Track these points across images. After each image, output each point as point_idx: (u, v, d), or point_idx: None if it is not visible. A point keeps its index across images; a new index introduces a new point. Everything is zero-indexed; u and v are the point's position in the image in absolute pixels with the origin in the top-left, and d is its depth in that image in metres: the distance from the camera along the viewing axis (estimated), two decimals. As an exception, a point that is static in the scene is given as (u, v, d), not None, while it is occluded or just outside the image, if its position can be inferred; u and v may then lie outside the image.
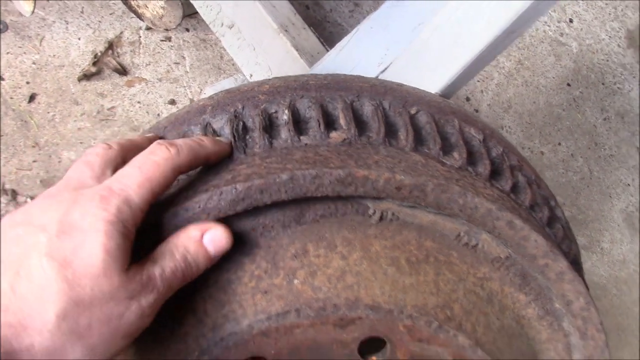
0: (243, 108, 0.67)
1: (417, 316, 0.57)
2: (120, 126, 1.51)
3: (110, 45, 1.60)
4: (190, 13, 1.61)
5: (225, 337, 0.55)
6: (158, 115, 1.55)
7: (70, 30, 1.60)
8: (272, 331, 0.55)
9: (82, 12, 1.63)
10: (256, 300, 0.56)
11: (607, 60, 1.88)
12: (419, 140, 0.68)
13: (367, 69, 0.90)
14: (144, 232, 0.55)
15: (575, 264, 0.78)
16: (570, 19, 1.90)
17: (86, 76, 1.55)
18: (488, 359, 0.59)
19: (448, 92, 0.88)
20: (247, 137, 0.65)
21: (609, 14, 1.94)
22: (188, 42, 1.65)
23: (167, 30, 1.61)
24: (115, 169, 0.58)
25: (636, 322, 1.56)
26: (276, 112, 0.67)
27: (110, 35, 1.61)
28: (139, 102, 1.55)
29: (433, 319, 0.57)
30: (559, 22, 1.90)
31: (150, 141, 0.63)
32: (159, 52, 1.63)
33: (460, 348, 0.58)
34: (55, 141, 1.47)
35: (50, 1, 1.63)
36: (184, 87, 1.59)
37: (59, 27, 1.60)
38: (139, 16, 1.59)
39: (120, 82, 1.57)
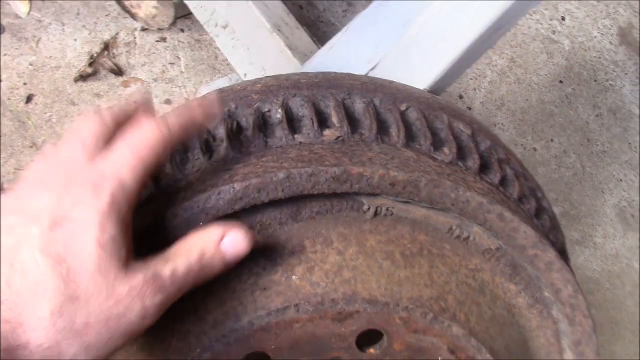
0: (236, 107, 0.67)
1: (413, 308, 0.57)
2: (117, 126, 1.50)
3: (106, 46, 1.59)
4: (184, 14, 1.60)
5: (226, 333, 0.55)
6: (154, 114, 1.54)
7: (66, 31, 1.60)
8: (272, 326, 0.55)
9: (77, 13, 1.63)
10: (255, 297, 0.56)
11: (599, 58, 1.88)
12: (410, 136, 0.68)
13: (357, 66, 0.91)
14: (142, 233, 0.54)
15: (562, 253, 0.79)
16: (562, 16, 1.90)
17: (82, 77, 1.54)
18: (481, 347, 0.60)
19: (437, 88, 0.88)
20: (242, 136, 0.65)
21: (601, 11, 1.94)
22: (183, 42, 1.64)
23: (160, 29, 1.61)
24: (107, 142, 0.54)
25: (629, 315, 1.56)
26: (269, 111, 0.67)
27: (106, 36, 1.61)
28: (134, 103, 1.54)
29: (428, 310, 0.58)
30: (551, 20, 1.90)
31: (141, 110, 0.60)
32: (154, 53, 1.62)
33: (455, 338, 0.59)
34: (52, 141, 1.46)
35: (47, 3, 1.62)
36: (180, 87, 1.58)
37: (55, 29, 1.60)
38: (133, 16, 1.59)
39: (116, 83, 1.56)
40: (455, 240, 0.64)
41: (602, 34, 1.91)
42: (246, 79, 1.17)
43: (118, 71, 1.58)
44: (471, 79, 1.79)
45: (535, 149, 1.73)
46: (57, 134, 1.48)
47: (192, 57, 1.63)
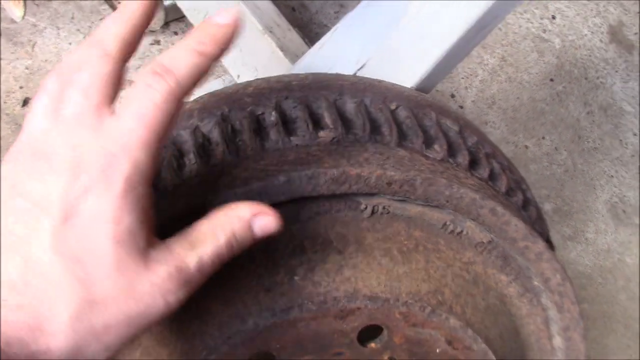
0: (230, 111, 0.66)
1: (412, 303, 0.58)
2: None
3: None
4: (177, 17, 1.59)
5: (232, 335, 0.55)
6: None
7: (61, 35, 1.60)
8: (277, 326, 0.55)
9: (72, 18, 1.62)
10: (259, 298, 0.56)
11: (590, 56, 1.88)
12: (401, 135, 0.69)
13: (346, 66, 0.89)
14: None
15: (548, 242, 0.79)
16: (552, 15, 1.90)
17: None
18: (477, 337, 0.61)
19: (424, 87, 0.88)
20: (237, 140, 0.64)
21: (591, 10, 1.94)
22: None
23: (151, 31, 1.61)
24: (116, 91, 0.47)
25: (621, 309, 1.57)
26: (263, 113, 0.66)
27: None
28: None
29: (426, 304, 0.59)
30: (541, 19, 1.89)
31: (144, 18, 0.51)
32: (148, 55, 1.61)
33: (452, 329, 0.60)
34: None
35: (41, 7, 1.62)
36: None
37: (51, 33, 1.59)
38: None
39: None
40: (449, 235, 0.66)
41: (592, 32, 1.91)
42: (239, 80, 1.18)
43: (113, 74, 1.57)
44: (463, 78, 1.79)
45: (526, 147, 1.73)
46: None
47: (186, 59, 1.62)
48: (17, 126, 1.48)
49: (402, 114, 0.72)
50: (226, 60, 1.23)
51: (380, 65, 0.88)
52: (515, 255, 0.67)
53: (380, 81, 0.77)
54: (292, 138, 0.65)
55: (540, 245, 0.65)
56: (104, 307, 0.43)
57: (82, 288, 0.43)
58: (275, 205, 0.57)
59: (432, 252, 0.64)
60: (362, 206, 0.62)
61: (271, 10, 1.28)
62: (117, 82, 0.48)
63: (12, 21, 1.57)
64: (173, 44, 1.62)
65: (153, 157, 0.45)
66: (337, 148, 0.64)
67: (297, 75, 0.73)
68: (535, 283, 0.68)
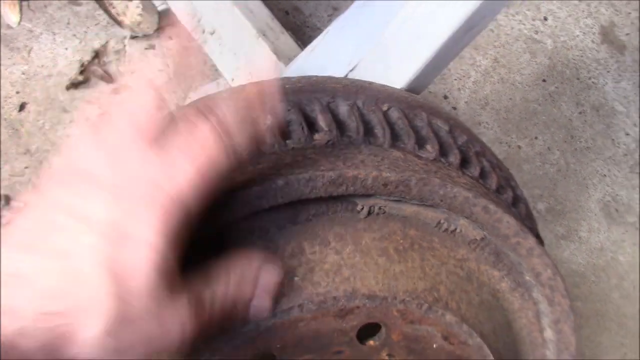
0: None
1: (409, 300, 0.59)
2: (110, 131, 1.51)
3: (97, 55, 1.59)
4: (171, 22, 1.59)
5: (234, 336, 0.55)
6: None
7: (57, 41, 1.60)
8: (278, 327, 0.55)
9: (68, 23, 1.62)
10: None
11: (582, 56, 1.89)
12: (394, 136, 0.69)
13: (338, 68, 0.90)
14: None
15: (537, 237, 0.79)
16: (544, 17, 1.90)
17: (74, 85, 1.54)
18: (472, 332, 0.62)
19: (415, 87, 0.88)
20: None
21: (583, 10, 1.94)
22: (171, 49, 1.66)
23: (148, 37, 1.61)
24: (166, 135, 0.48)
25: (614, 308, 1.59)
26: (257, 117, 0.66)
27: (96, 44, 1.60)
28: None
29: (423, 301, 0.59)
30: (533, 20, 1.90)
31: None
32: (142, 60, 1.61)
33: (448, 325, 0.61)
34: (45, 148, 1.46)
35: (37, 13, 1.62)
36: (169, 93, 1.60)
37: (47, 38, 1.59)
38: (119, 24, 1.55)
39: (107, 90, 1.56)
40: (443, 234, 0.66)
41: (584, 33, 1.91)
42: (234, 84, 1.19)
43: (109, 79, 1.57)
44: (455, 79, 1.79)
45: (519, 147, 1.73)
46: (50, 141, 1.47)
47: (181, 63, 1.63)
48: (14, 131, 1.47)
49: (394, 115, 0.73)
50: (221, 64, 1.23)
51: (371, 66, 0.88)
52: (507, 251, 0.68)
53: (370, 83, 0.77)
54: (287, 141, 0.65)
55: (531, 241, 0.66)
56: (132, 326, 0.44)
57: (117, 304, 0.43)
58: (274, 207, 0.58)
59: (427, 250, 0.64)
60: (359, 207, 0.62)
61: (265, 13, 1.28)
62: (164, 113, 0.50)
63: (9, 27, 1.56)
64: (168, 48, 1.64)
65: (198, 205, 0.48)
66: (333, 150, 0.64)
67: (289, 78, 0.73)
68: (527, 278, 0.69)
